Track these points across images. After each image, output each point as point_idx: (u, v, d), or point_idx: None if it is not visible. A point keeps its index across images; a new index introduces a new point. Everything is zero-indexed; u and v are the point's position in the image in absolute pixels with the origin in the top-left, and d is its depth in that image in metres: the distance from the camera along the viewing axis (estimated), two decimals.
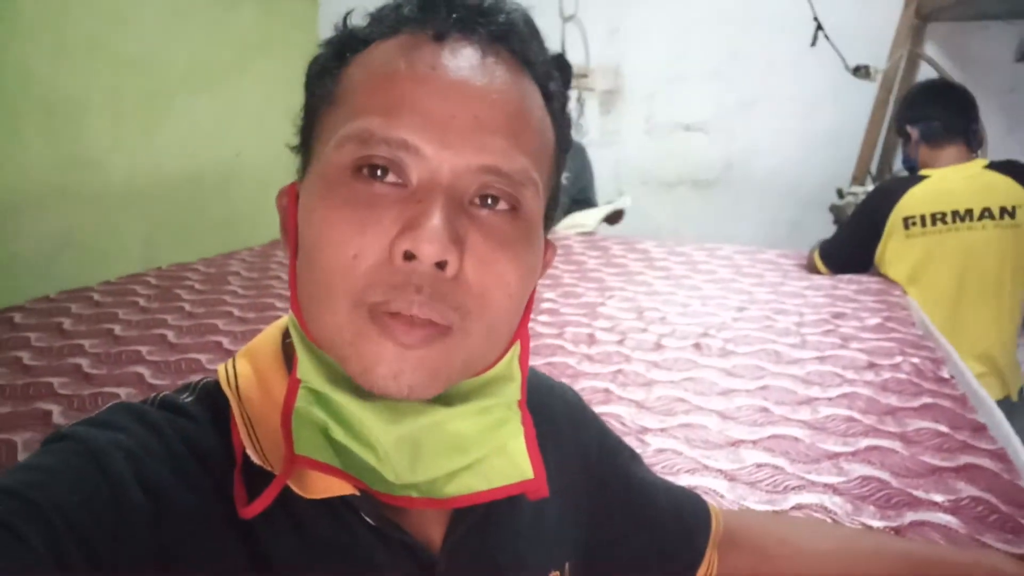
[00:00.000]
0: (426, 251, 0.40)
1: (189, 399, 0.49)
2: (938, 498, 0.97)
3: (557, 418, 0.63)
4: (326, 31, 0.50)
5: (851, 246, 1.97)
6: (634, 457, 0.71)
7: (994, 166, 1.85)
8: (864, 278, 1.97)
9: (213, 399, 0.49)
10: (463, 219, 0.43)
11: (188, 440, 0.45)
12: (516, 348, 0.51)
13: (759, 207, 2.99)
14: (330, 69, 0.48)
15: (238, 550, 0.43)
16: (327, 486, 0.45)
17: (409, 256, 0.41)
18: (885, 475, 1.02)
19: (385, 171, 0.43)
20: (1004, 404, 1.74)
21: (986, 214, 1.79)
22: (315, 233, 0.44)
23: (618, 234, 2.60)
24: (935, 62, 2.67)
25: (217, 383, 0.50)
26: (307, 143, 0.49)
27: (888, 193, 1.89)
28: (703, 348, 1.51)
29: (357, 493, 0.46)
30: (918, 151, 1.92)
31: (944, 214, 1.81)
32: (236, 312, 1.69)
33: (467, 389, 0.48)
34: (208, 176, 2.85)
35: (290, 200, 0.49)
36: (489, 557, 0.53)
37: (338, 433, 0.46)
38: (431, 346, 0.42)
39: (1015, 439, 1.23)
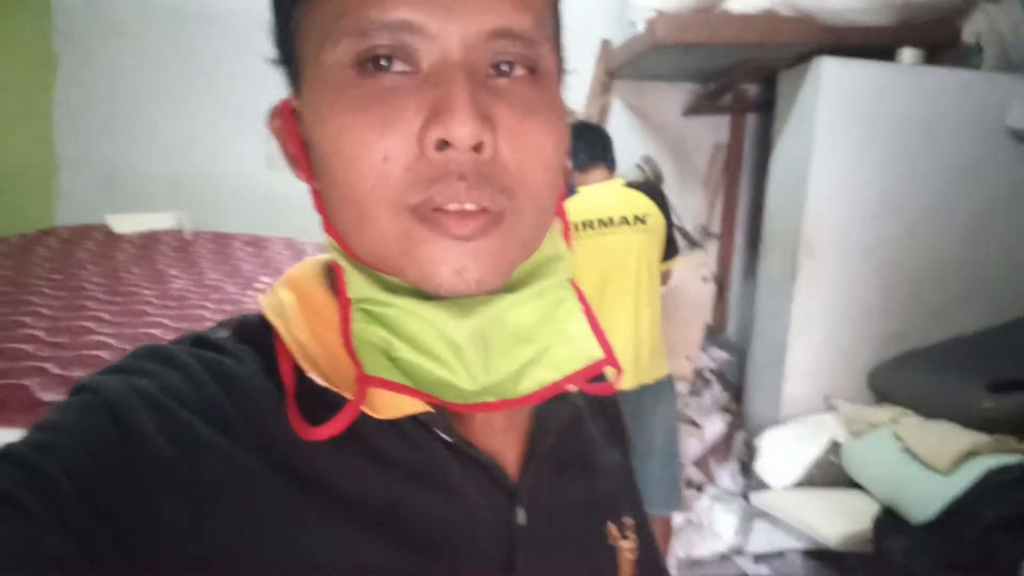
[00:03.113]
0: (461, 135, 0.38)
1: (225, 334, 0.46)
2: None
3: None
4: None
5: None
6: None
7: (630, 185, 2.31)
8: None
9: (253, 332, 0.46)
10: (485, 94, 0.40)
11: (223, 376, 0.42)
12: (557, 224, 0.49)
13: None
14: None
15: (288, 482, 0.40)
16: (397, 405, 0.43)
17: (442, 144, 0.39)
18: None
19: (391, 60, 0.40)
20: (639, 391, 2.17)
21: (624, 221, 2.23)
22: (333, 146, 0.41)
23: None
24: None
25: (256, 316, 0.47)
26: (289, 52, 0.45)
27: None
28: None
29: (431, 411, 0.44)
30: (574, 177, 2.35)
31: (592, 221, 2.23)
32: None
33: (522, 274, 0.46)
34: None
35: (285, 119, 0.46)
36: (566, 485, 0.51)
37: (402, 350, 0.44)
38: (488, 235, 0.41)
39: None
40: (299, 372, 0.43)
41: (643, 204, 2.25)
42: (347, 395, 0.42)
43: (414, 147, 0.39)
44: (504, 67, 0.42)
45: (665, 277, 2.40)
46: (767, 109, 3.21)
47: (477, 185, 0.39)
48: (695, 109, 3.34)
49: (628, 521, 0.54)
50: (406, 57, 0.40)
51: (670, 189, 3.05)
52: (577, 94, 3.26)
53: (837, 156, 2.62)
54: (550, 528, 0.48)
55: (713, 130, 3.44)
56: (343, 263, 0.45)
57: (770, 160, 2.95)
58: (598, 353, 0.48)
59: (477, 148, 0.39)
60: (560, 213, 0.49)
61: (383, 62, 0.40)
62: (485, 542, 0.45)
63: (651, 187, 2.33)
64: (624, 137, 3.17)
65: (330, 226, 0.45)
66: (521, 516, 0.46)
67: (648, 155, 3.00)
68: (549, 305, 0.47)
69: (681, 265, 2.70)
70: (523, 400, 0.46)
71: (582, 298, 0.49)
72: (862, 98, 2.55)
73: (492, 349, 0.44)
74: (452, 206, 0.39)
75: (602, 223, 2.23)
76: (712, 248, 3.42)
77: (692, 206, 3.34)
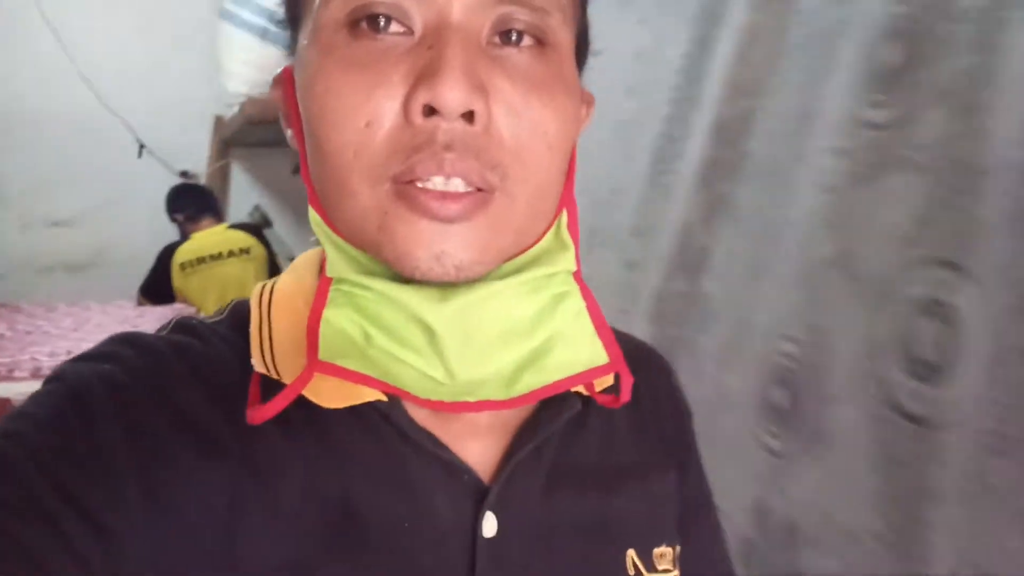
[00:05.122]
0: (448, 99, 0.35)
1: (217, 319, 0.47)
2: None
3: (648, 377, 0.54)
4: None
5: (154, 285, 3.00)
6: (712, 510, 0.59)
7: (234, 226, 3.08)
8: (177, 306, 2.97)
9: (241, 315, 0.46)
10: (483, 61, 0.37)
11: (191, 359, 0.42)
12: (563, 217, 0.45)
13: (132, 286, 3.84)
14: None
15: (238, 469, 0.39)
16: (349, 394, 0.41)
17: (429, 111, 0.36)
18: None
19: (386, 21, 0.37)
20: None
21: (230, 254, 2.98)
22: (318, 108, 0.39)
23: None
24: None
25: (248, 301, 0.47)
26: (294, 12, 0.44)
27: (168, 250, 2.99)
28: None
29: (383, 399, 0.42)
30: (186, 228, 3.05)
31: (203, 258, 2.94)
32: None
33: (519, 264, 0.43)
34: None
35: (286, 85, 0.45)
36: (564, 499, 0.46)
37: (379, 338, 0.41)
38: (474, 217, 0.38)
39: None
40: None
41: (246, 240, 3.03)
42: (286, 381, 0.40)
43: (400, 114, 0.37)
44: (509, 36, 0.39)
45: None
46: None
47: (464, 157, 0.36)
48: (299, 169, 4.16)
49: (664, 551, 0.48)
50: (400, 17, 0.37)
51: (287, 230, 3.84)
52: (200, 161, 3.92)
53: None
54: (530, 545, 0.43)
55: None
56: (323, 241, 0.43)
57: None
58: (602, 358, 0.44)
59: (468, 118, 0.36)
60: (569, 202, 0.45)
61: (377, 22, 0.37)
62: (446, 552, 0.41)
63: (253, 227, 3.13)
64: (244, 193, 3.92)
65: (315, 198, 0.43)
66: (489, 526, 0.42)
67: (257, 204, 3.77)
68: (549, 300, 0.43)
69: None
70: (508, 403, 0.42)
71: (588, 295, 0.45)
72: None
73: (475, 342, 0.41)
74: (436, 180, 0.36)
75: (213, 257, 2.96)
76: None
77: (306, 243, 4.15)
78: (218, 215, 3.09)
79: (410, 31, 0.38)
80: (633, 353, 0.49)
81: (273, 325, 0.44)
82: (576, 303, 0.45)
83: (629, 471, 0.50)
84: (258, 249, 3.05)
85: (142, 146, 3.54)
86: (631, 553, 0.47)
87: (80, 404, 0.38)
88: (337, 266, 0.43)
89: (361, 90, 0.37)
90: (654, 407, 0.54)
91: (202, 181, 3.82)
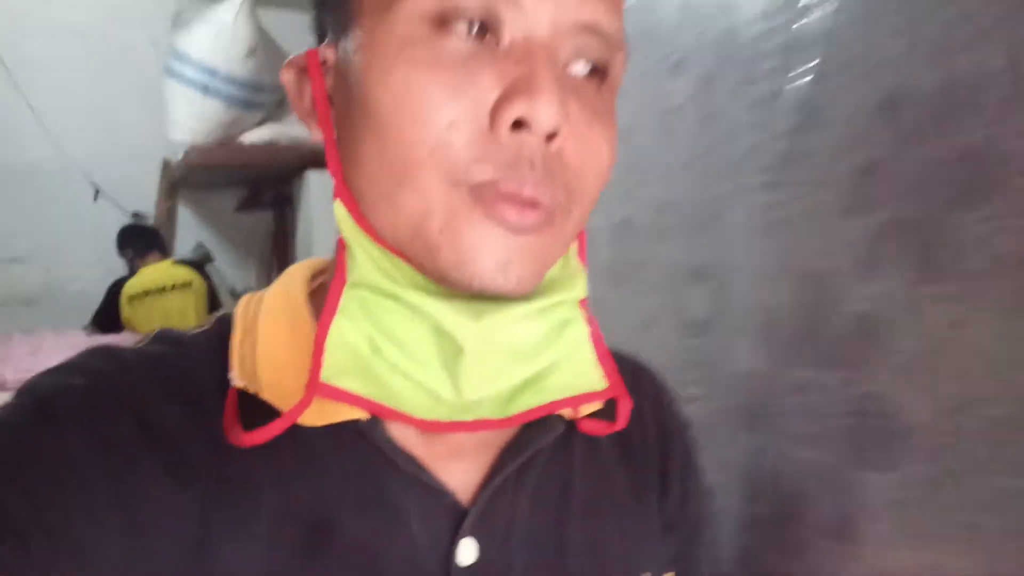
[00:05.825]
0: (545, 116, 0.36)
1: (201, 329, 0.46)
2: None
3: (637, 397, 0.52)
4: None
5: (104, 317, 3.31)
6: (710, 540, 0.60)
7: (178, 262, 3.41)
8: (125, 334, 3.27)
9: (227, 326, 0.45)
10: (563, 85, 0.38)
11: (167, 371, 0.42)
12: (574, 244, 0.46)
13: (79, 320, 4.08)
14: None
15: (210, 485, 0.39)
16: (331, 411, 0.41)
17: (518, 125, 0.36)
18: None
19: (477, 25, 0.37)
20: None
21: (173, 288, 3.30)
22: (392, 100, 0.37)
23: None
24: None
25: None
26: None
27: (117, 284, 3.32)
28: None
29: (364, 417, 0.41)
30: (134, 263, 3.36)
31: (149, 291, 3.26)
32: None
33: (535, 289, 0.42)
34: None
35: (312, 68, 0.43)
36: (546, 522, 0.46)
37: (387, 349, 0.41)
38: (540, 232, 0.39)
39: None
40: None
41: (188, 274, 3.37)
42: (277, 404, 0.40)
43: (484, 120, 0.37)
44: (579, 65, 0.40)
45: None
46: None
47: (544, 177, 0.37)
48: (243, 207, 4.48)
49: None
50: (491, 25, 0.37)
51: (229, 264, 4.16)
52: (150, 201, 4.22)
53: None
54: (508, 573, 0.43)
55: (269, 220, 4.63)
56: (350, 239, 0.42)
57: (297, 241, 4.21)
58: (599, 384, 0.45)
59: (550, 137, 0.37)
60: (580, 232, 0.45)
61: (464, 25, 0.37)
62: None
63: (195, 262, 3.48)
64: (191, 230, 4.21)
65: (347, 193, 0.42)
66: (467, 553, 0.42)
67: (200, 242, 4.10)
68: (555, 324, 0.44)
69: None
70: (504, 422, 0.43)
71: (591, 322, 0.46)
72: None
73: (491, 362, 0.41)
74: (512, 192, 0.37)
75: (158, 291, 3.28)
76: None
77: (248, 276, 4.47)
78: (164, 251, 3.42)
79: (496, 41, 0.38)
80: (624, 373, 0.49)
81: (258, 338, 0.43)
82: (581, 330, 0.45)
83: (612, 497, 0.50)
84: (199, 283, 3.39)
85: (97, 190, 3.86)
86: None
87: (49, 417, 0.38)
88: (362, 270, 0.41)
89: (447, 89, 0.37)
90: (641, 430, 0.54)
91: (152, 220, 4.13)
